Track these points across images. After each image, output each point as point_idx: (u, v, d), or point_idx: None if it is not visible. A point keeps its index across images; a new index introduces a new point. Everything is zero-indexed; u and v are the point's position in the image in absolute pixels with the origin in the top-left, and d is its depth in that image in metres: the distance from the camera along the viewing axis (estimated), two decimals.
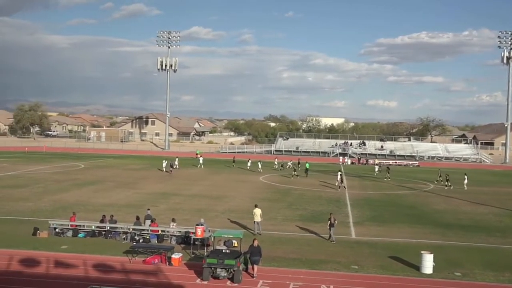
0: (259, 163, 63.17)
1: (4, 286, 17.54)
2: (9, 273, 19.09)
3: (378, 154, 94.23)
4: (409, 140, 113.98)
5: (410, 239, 26.64)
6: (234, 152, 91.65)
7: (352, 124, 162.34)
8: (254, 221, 26.86)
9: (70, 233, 25.39)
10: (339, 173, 50.20)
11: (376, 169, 64.56)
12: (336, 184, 47.83)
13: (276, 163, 68.03)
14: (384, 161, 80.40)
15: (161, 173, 57.13)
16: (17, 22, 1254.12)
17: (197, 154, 76.48)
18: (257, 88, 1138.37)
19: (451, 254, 23.57)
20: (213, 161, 75.08)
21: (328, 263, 21.57)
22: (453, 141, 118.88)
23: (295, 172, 56.71)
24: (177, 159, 62.21)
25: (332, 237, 25.49)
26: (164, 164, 59.67)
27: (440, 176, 55.10)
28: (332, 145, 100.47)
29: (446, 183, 50.56)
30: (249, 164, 64.45)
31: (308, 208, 36.07)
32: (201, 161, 67.20)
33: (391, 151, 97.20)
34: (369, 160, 79.93)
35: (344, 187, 47.01)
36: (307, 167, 58.70)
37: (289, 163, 66.62)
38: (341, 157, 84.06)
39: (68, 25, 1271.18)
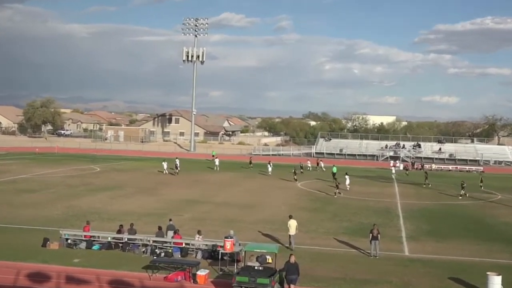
0: (268, 165, 64.07)
1: None
2: None
3: (436, 158, 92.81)
4: (472, 141, 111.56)
5: (473, 257, 26.04)
6: (269, 155, 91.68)
7: (404, 123, 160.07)
8: (290, 234, 26.73)
9: (83, 245, 25.71)
10: (347, 176, 51.10)
11: (393, 170, 66.13)
12: (347, 188, 49.54)
13: (309, 165, 71.11)
14: (422, 165, 79.19)
15: (184, 177, 57.52)
16: (31, 9, 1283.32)
17: (212, 155, 77.48)
18: (295, 82, 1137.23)
19: None
20: (234, 164, 75.11)
21: (377, 283, 21.26)
22: None
23: (295, 176, 57.74)
24: (177, 160, 62.70)
25: (376, 252, 25.30)
26: (165, 166, 61.23)
27: (481, 182, 54.76)
28: (382, 147, 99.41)
29: (461, 191, 48.73)
30: (269, 169, 63.74)
31: (353, 219, 35.68)
32: (217, 163, 68.40)
33: (450, 155, 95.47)
34: (425, 165, 78.66)
35: (337, 193, 46.43)
36: (334, 171, 58.31)
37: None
38: (392, 161, 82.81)
39: (86, 13, 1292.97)
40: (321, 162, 73.79)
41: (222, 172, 65.19)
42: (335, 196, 45.70)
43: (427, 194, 50.41)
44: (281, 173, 62.85)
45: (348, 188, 49.87)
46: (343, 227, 33.04)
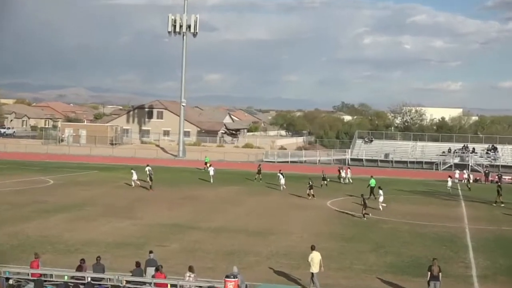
0: (280, 175, 64.33)
1: None
2: None
3: None
4: None
5: None
6: (287, 162, 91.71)
7: (474, 118, 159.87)
8: (311, 272, 26.63)
9: (31, 286, 25.68)
10: (380, 191, 51.48)
11: (450, 184, 66.67)
12: (380, 207, 50.07)
13: (343, 176, 72.92)
14: (500, 175, 78.45)
15: (169, 193, 57.63)
16: None
17: (205, 163, 78.89)
18: (321, 62, 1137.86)
19: None
20: (236, 174, 75.23)
21: None
22: None
23: (311, 190, 57.62)
24: (148, 168, 62.15)
25: None
26: (134, 177, 62.01)
27: None
28: (443, 152, 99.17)
29: None
30: (282, 181, 63.78)
31: (404, 252, 35.63)
32: (211, 173, 69.20)
33: None
34: (502, 176, 78.10)
35: (365, 214, 46.48)
36: (372, 184, 58.07)
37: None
38: (457, 171, 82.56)
39: None
40: (348, 170, 73.66)
41: (219, 185, 65.44)
42: (365, 218, 45.77)
43: (505, 217, 50.14)
44: (299, 186, 62.43)
45: (380, 208, 49.87)
46: (389, 262, 32.98)
